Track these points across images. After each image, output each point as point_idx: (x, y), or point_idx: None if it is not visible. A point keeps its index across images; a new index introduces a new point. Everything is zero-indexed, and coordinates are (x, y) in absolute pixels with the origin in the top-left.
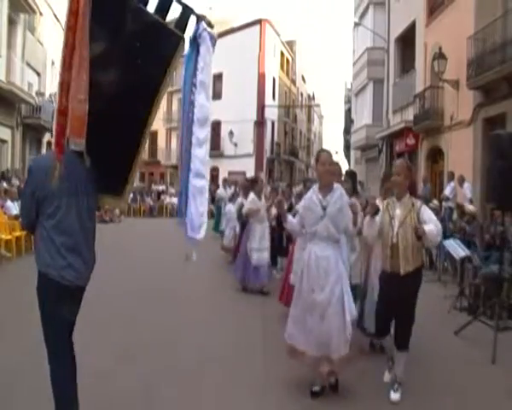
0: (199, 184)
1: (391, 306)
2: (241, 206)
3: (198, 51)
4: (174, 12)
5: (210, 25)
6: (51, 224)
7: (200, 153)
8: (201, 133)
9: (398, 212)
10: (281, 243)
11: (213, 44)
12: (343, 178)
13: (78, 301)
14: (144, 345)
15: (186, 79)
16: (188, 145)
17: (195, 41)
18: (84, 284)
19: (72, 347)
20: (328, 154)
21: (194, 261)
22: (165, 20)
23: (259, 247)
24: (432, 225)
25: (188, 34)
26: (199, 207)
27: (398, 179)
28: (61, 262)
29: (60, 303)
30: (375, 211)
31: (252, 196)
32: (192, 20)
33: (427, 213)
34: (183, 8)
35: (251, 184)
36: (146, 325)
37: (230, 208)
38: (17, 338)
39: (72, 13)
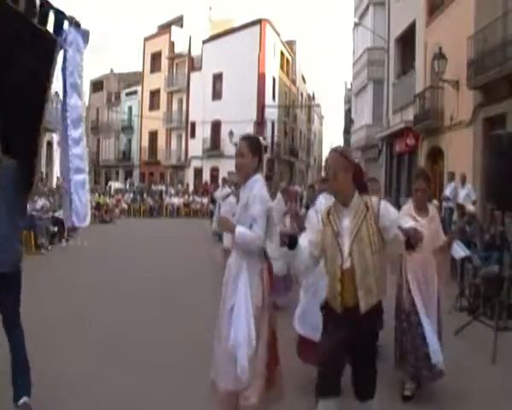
0: (79, 178)
1: (342, 355)
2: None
3: (65, 57)
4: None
5: (77, 24)
6: None
7: (78, 151)
8: (76, 133)
9: (346, 223)
10: None
11: (86, 41)
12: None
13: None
14: (141, 345)
15: (61, 84)
16: (65, 146)
17: (62, 47)
18: (3, 271)
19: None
20: (241, 143)
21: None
22: (45, 25)
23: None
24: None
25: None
26: (81, 198)
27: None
28: None
29: None
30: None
31: None
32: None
33: (390, 215)
34: (55, 13)
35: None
36: (143, 326)
37: (226, 209)
38: None
39: None
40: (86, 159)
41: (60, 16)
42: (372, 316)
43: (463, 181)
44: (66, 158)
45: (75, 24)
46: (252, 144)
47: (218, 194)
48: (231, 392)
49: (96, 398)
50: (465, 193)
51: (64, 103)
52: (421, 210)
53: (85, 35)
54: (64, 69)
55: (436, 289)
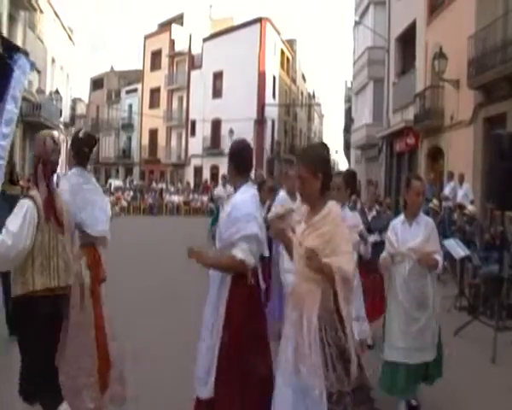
0: None
1: None
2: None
3: (11, 74)
4: None
5: (26, 53)
6: None
7: (3, 143)
8: (6, 130)
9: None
10: None
11: (32, 68)
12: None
13: None
14: (145, 348)
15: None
16: None
17: (10, 66)
18: None
19: None
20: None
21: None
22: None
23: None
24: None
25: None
26: None
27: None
28: None
29: None
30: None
31: (282, 194)
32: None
33: None
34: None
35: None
36: (143, 330)
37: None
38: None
39: None
40: (7, 150)
41: (16, 47)
42: None
43: (461, 181)
44: None
45: (25, 53)
46: (72, 140)
47: (222, 193)
48: None
49: None
50: (463, 193)
51: (2, 108)
52: (312, 209)
53: (32, 65)
54: (9, 83)
55: (303, 344)
